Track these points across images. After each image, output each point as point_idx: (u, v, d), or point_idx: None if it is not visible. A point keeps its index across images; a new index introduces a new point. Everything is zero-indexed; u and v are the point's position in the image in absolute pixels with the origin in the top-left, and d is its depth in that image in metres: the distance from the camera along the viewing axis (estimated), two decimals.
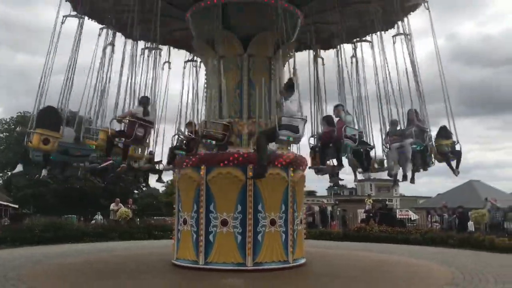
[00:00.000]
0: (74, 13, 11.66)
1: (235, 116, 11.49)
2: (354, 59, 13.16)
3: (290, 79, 9.75)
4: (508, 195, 39.08)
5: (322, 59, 13.66)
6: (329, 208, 27.09)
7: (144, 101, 10.39)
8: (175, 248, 11.57)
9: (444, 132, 11.64)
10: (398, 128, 11.57)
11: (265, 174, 9.59)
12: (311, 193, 56.80)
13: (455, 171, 11.67)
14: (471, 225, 20.26)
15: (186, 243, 11.03)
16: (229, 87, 11.42)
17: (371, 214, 23.22)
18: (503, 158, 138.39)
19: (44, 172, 12.24)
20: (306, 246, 12.19)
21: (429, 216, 24.44)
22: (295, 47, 12.27)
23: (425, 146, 11.10)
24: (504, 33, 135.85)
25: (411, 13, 12.32)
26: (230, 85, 11.52)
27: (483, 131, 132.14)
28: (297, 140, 9.54)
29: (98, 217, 30.31)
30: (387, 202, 32.18)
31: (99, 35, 12.33)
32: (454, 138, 11.47)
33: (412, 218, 30.50)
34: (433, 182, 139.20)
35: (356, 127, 11.07)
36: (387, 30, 12.73)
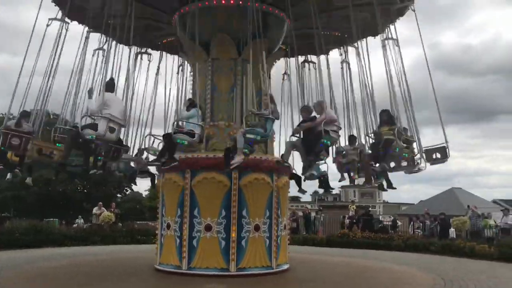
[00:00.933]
0: (59, 17, 11.56)
1: (228, 119, 11.49)
2: (343, 64, 13.26)
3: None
4: (489, 203, 39.67)
5: (309, 63, 13.82)
6: (313, 214, 27.08)
7: (24, 114, 10.65)
8: (158, 253, 11.49)
9: (386, 118, 10.42)
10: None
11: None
12: (295, 199, 56.87)
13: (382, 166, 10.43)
14: (452, 232, 20.52)
15: (170, 248, 10.97)
16: (222, 90, 11.44)
17: (354, 220, 23.34)
18: (484, 166, 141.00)
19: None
20: (290, 252, 12.20)
21: (412, 222, 24.64)
22: (282, 54, 12.37)
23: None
24: (484, 44, 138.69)
25: (399, 18, 12.40)
26: (223, 88, 11.55)
27: (464, 139, 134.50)
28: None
29: (80, 221, 29.92)
30: (370, 208, 32.33)
31: (87, 37, 12.28)
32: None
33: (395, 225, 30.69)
34: (416, 189, 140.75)
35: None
36: (374, 36, 12.86)
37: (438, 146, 10.67)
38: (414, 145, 10.64)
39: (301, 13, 11.76)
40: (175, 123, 9.92)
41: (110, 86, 9.93)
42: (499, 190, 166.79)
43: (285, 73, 14.33)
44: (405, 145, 10.16)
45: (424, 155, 10.62)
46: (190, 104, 10.31)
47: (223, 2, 11.39)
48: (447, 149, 10.54)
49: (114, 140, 9.65)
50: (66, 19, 11.55)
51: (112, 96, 9.76)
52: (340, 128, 10.04)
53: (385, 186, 11.53)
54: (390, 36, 11.71)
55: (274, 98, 10.54)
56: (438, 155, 10.62)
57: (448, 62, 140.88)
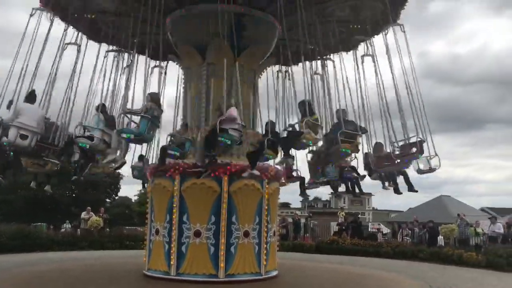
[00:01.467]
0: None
1: None
2: (319, 76, 13.23)
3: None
4: (477, 211, 39.99)
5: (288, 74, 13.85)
6: (303, 220, 27.14)
7: None
8: (146, 258, 11.42)
9: (303, 110, 10.41)
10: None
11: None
12: (285, 205, 56.87)
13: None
14: (441, 240, 20.65)
15: (158, 254, 10.91)
16: (216, 95, 11.48)
17: (343, 227, 23.42)
18: (472, 175, 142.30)
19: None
20: (279, 258, 12.20)
21: (400, 230, 24.75)
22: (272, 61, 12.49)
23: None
24: (472, 53, 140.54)
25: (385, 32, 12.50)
26: (217, 92, 11.59)
27: (452, 147, 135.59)
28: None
29: (67, 225, 29.66)
30: (359, 216, 32.47)
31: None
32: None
33: (384, 232, 30.88)
34: (405, 197, 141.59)
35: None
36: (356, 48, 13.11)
37: (414, 141, 10.52)
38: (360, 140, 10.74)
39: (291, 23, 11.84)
40: (79, 127, 10.65)
41: (30, 97, 10.49)
42: (487, 198, 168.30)
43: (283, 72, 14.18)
44: (318, 136, 10.09)
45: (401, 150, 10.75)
46: (97, 109, 10.90)
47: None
48: (423, 144, 10.42)
49: (26, 146, 9.87)
50: (49, 13, 11.60)
51: (27, 105, 10.20)
52: (244, 126, 9.87)
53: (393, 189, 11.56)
54: (368, 52, 12.02)
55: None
56: (414, 150, 10.42)
57: (437, 71, 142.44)
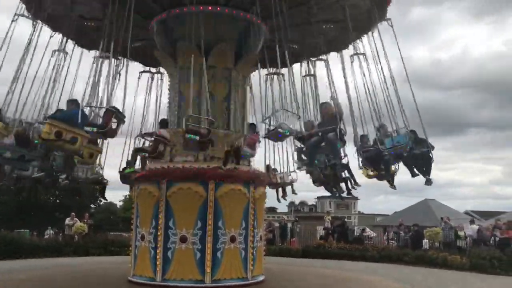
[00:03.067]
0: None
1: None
2: (310, 77, 13.61)
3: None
4: (461, 214, 40.43)
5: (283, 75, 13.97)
6: (289, 225, 27.11)
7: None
8: (132, 264, 11.32)
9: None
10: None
11: None
12: (272, 210, 56.87)
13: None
14: (426, 243, 20.82)
15: (144, 260, 10.82)
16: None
17: (330, 231, 23.47)
18: (455, 178, 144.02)
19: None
20: (266, 263, 12.19)
21: (386, 233, 24.88)
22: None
23: None
24: (453, 59, 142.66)
25: (371, 31, 12.65)
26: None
27: (435, 151, 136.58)
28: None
29: (50, 231, 29.21)
30: (345, 219, 32.61)
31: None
32: None
33: (370, 236, 30.97)
34: (390, 200, 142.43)
35: None
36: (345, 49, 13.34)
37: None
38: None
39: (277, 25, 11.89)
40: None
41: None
42: (471, 202, 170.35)
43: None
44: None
45: None
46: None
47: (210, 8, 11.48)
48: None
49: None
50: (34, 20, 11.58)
51: None
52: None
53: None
54: (358, 51, 12.18)
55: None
56: None
57: (419, 76, 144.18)
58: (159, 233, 10.57)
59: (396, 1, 12.38)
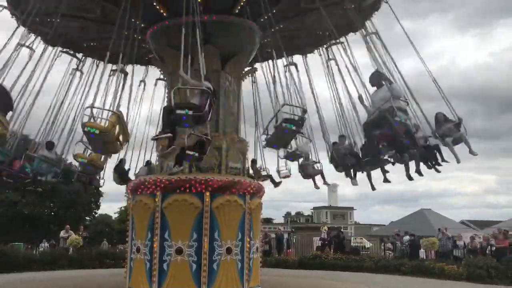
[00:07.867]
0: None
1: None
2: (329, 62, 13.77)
3: None
4: (457, 224, 40.48)
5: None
6: (285, 236, 27.05)
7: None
8: (127, 276, 11.21)
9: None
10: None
11: None
12: (268, 221, 56.75)
13: None
14: (422, 253, 20.77)
15: (139, 272, 10.72)
16: None
17: (326, 242, 23.40)
18: (448, 188, 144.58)
19: None
20: (262, 275, 12.10)
21: (383, 243, 24.83)
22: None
23: None
24: (440, 70, 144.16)
25: (374, 14, 12.71)
26: None
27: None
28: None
29: (44, 244, 28.86)
30: (342, 230, 32.50)
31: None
32: None
33: (366, 246, 30.89)
34: (386, 210, 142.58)
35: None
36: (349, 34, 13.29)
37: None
38: None
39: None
40: None
41: None
42: (467, 211, 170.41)
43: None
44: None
45: None
46: None
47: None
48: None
49: None
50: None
51: None
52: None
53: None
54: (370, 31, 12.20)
55: None
56: None
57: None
58: (154, 245, 10.47)
59: (384, 14, 12.49)
